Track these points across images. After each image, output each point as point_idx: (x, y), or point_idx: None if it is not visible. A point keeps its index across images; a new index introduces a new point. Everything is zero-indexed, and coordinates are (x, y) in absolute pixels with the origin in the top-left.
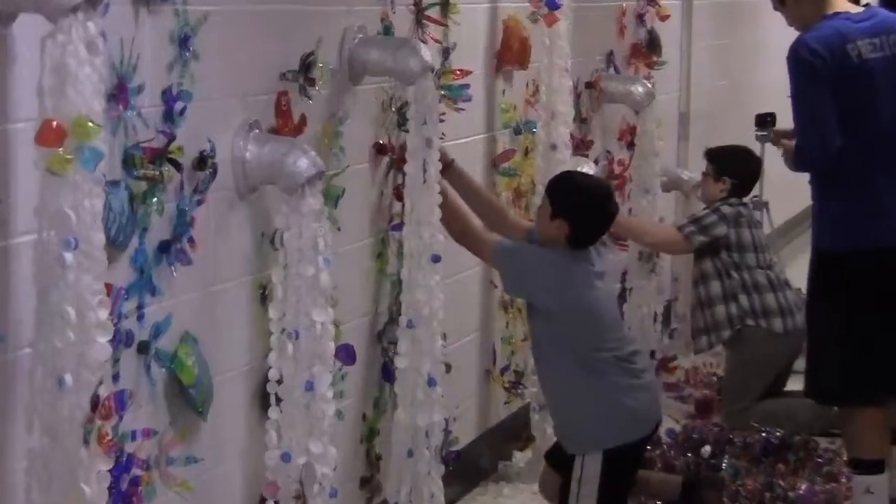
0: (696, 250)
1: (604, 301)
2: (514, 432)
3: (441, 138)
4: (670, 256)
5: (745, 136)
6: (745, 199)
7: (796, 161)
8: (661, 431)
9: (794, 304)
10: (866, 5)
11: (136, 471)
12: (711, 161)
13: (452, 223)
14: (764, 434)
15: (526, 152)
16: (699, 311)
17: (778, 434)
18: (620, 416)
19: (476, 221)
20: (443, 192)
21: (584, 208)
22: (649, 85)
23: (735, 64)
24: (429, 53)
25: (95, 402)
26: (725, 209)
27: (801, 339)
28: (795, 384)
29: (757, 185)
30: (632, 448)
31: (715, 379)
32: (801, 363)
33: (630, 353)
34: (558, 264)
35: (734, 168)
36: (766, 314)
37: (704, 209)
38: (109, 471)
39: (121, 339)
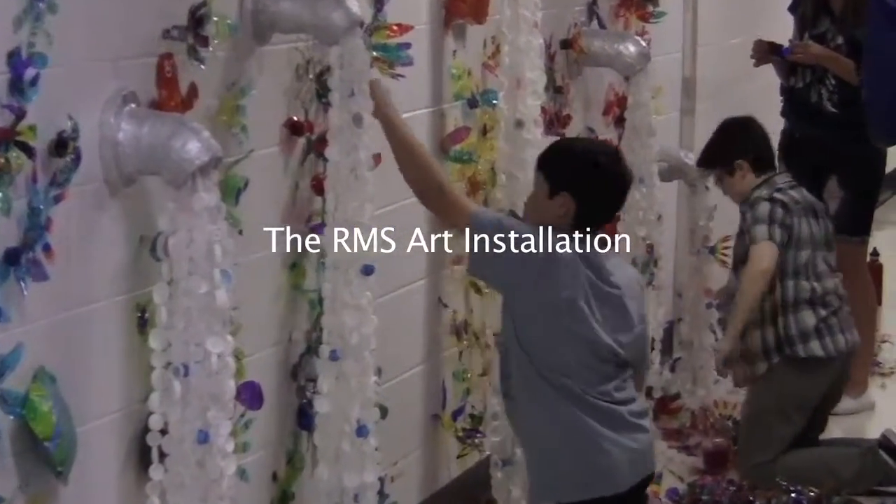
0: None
1: (600, 319)
2: (470, 494)
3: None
4: (672, 267)
5: (767, 109)
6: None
7: None
8: (662, 492)
9: (840, 321)
10: None
11: None
12: (708, 163)
13: (415, 171)
14: (793, 494)
15: (484, 131)
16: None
17: (812, 494)
18: (586, 463)
19: (446, 175)
20: (392, 126)
21: (591, 175)
22: (643, 43)
23: (753, 17)
24: (357, 3)
25: None
26: (780, 196)
27: (844, 367)
28: (835, 429)
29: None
30: None
31: (730, 423)
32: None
33: (625, 398)
34: (551, 251)
35: (737, 145)
36: (804, 335)
37: (748, 202)
38: None
39: None
